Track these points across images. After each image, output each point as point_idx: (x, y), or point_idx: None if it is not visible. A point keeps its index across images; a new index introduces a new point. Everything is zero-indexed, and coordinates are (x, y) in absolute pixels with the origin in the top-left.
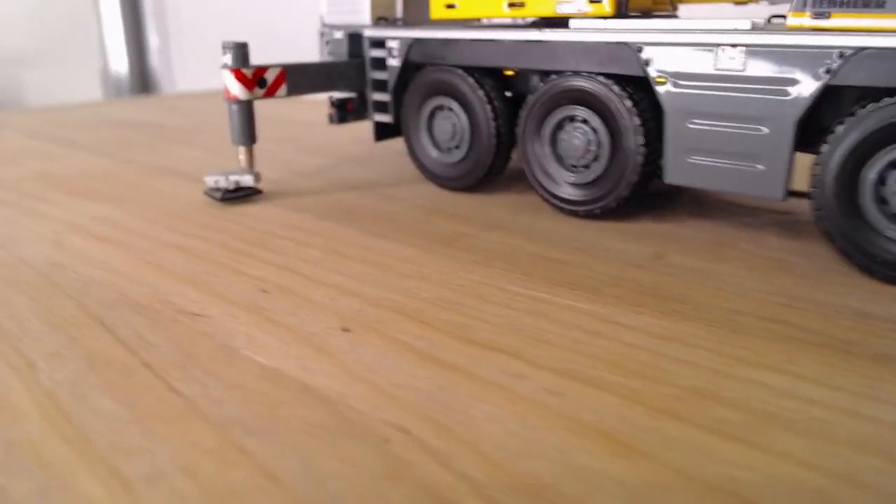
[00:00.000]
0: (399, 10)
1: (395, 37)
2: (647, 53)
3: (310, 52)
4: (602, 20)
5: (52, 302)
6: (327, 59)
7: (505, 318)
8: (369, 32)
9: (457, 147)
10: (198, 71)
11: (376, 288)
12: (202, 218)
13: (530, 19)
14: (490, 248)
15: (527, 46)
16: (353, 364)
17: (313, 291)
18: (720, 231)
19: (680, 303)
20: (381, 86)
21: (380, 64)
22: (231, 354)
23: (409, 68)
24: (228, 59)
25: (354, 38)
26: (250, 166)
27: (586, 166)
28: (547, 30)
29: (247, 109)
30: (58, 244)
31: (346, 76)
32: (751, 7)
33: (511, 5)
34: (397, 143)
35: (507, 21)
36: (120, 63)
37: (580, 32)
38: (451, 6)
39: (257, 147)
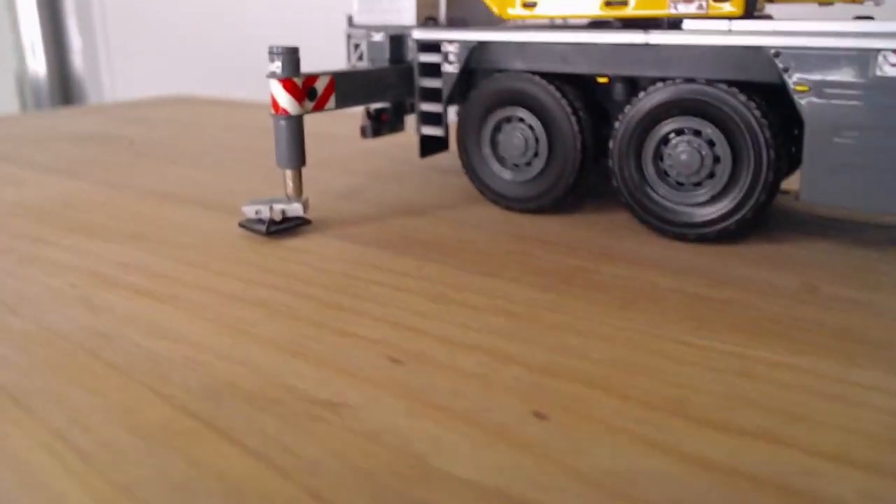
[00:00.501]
0: (442, 10)
1: (454, 39)
2: (785, 59)
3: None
4: (725, 21)
5: (124, 394)
6: (357, 64)
7: (717, 383)
8: (420, 34)
9: (528, 164)
10: (133, 76)
11: (532, 348)
12: (254, 258)
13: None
14: (621, 284)
15: (629, 51)
16: (591, 473)
17: (459, 358)
18: (849, 253)
19: (893, 350)
20: (431, 95)
21: (431, 70)
22: (423, 471)
23: (469, 75)
24: (277, 66)
25: (397, 41)
26: (298, 193)
27: (697, 184)
28: (655, 32)
29: (297, 126)
30: (88, 304)
31: (389, 84)
32: (837, 7)
33: (609, 4)
34: (428, 158)
35: (558, 22)
36: (38, 66)
37: (700, 35)
38: (530, 4)
39: (268, 165)
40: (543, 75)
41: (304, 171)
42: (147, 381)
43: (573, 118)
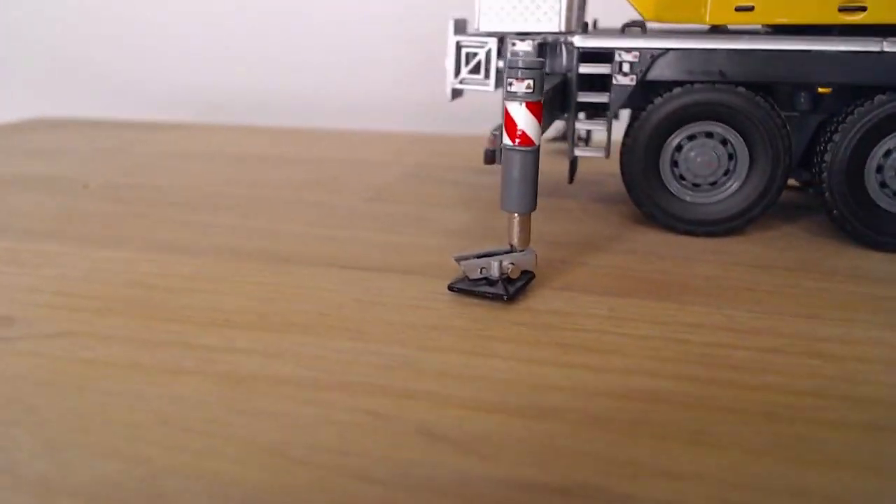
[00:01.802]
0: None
1: (632, 47)
2: None
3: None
4: None
5: None
6: (467, 77)
7: None
8: (584, 42)
9: (712, 184)
10: None
11: None
12: (532, 335)
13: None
14: None
15: (860, 59)
16: None
17: None
18: None
19: None
20: (594, 111)
21: (596, 83)
22: None
23: (645, 88)
24: (527, 86)
25: (545, 51)
26: (527, 242)
27: None
28: (892, 39)
29: (537, 159)
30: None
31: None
32: None
33: (845, 9)
34: (481, 178)
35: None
36: None
37: None
38: (744, 8)
39: (307, 201)
40: (750, 86)
41: (368, 205)
42: None
43: (783, 132)
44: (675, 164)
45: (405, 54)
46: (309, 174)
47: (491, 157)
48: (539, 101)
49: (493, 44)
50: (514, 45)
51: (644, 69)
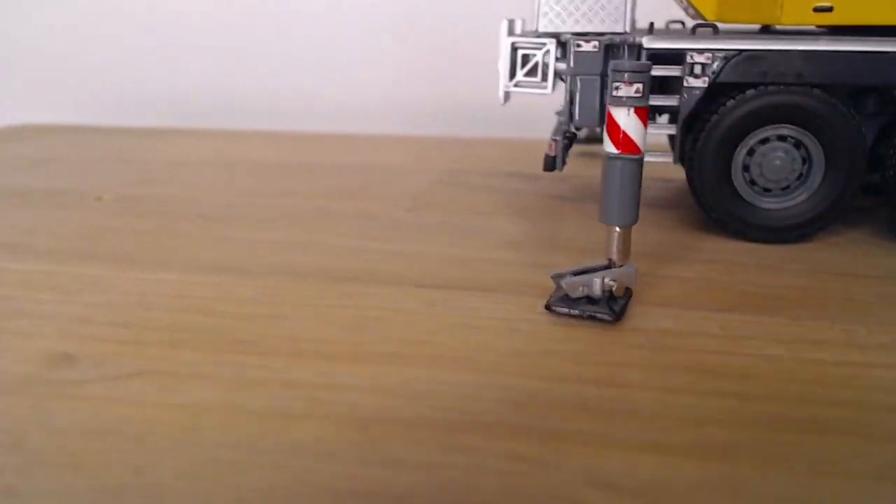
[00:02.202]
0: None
1: (705, 48)
2: None
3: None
4: None
5: None
6: (522, 80)
7: None
8: (653, 43)
9: (784, 189)
10: None
11: None
12: (668, 358)
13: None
14: None
15: None
16: None
17: None
18: None
19: None
20: (661, 115)
21: (664, 85)
22: None
23: (712, 91)
24: (635, 90)
25: (611, 52)
26: (628, 256)
27: None
28: None
29: (641, 169)
30: None
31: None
32: None
33: None
34: (515, 184)
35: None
36: None
37: None
38: (823, 9)
39: (350, 210)
40: (827, 88)
41: (410, 215)
42: None
43: (861, 134)
44: (745, 168)
45: (412, 55)
46: (334, 182)
47: (552, 164)
48: (646, 107)
49: (551, 45)
50: (578, 46)
51: (717, 71)
